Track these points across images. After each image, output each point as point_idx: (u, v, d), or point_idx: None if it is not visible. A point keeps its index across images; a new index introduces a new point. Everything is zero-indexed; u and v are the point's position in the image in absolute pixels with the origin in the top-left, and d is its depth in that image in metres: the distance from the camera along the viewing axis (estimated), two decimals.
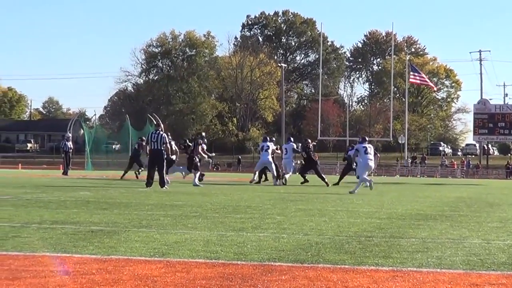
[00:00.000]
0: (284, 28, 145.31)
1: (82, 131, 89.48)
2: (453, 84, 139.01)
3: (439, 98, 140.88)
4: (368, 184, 28.45)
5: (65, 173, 46.85)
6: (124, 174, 40.44)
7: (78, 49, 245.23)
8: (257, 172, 36.98)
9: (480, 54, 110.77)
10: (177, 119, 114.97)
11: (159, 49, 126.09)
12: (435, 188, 37.88)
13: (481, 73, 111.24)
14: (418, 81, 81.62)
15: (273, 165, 35.62)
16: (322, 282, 7.52)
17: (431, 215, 16.96)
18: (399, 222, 14.98)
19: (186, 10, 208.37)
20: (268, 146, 35.90)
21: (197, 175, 32.77)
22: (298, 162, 41.41)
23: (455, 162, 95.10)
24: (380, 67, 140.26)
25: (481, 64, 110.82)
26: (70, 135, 51.04)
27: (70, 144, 48.61)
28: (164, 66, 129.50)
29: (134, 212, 16.18)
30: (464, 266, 8.78)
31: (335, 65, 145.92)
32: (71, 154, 50.56)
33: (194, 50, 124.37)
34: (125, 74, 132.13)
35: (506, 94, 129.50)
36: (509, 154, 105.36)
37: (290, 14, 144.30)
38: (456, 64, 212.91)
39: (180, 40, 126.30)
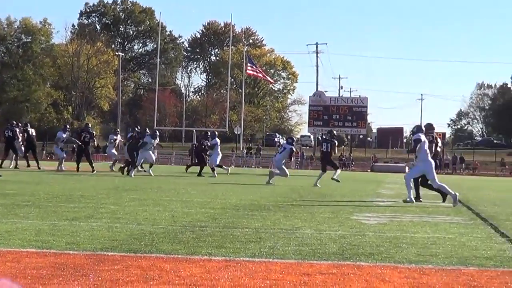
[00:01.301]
0: (123, 16, 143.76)
1: None
2: (289, 76, 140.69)
3: (276, 89, 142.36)
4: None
5: None
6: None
7: None
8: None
9: (317, 47, 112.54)
10: (11, 106, 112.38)
11: None
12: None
13: (317, 66, 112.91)
14: (255, 73, 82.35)
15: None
16: (155, 272, 7.48)
17: (265, 206, 17.10)
18: (233, 212, 15.07)
19: None
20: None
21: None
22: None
23: None
24: (218, 58, 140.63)
25: (317, 57, 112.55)
26: None
27: None
28: None
29: None
30: (296, 256, 8.91)
31: (173, 55, 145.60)
32: None
33: (30, 37, 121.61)
34: None
35: (341, 87, 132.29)
36: (343, 146, 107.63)
37: (129, 2, 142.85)
38: (293, 56, 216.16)
39: (16, 26, 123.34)
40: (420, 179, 21.18)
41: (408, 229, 12.62)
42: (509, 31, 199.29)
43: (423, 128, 20.71)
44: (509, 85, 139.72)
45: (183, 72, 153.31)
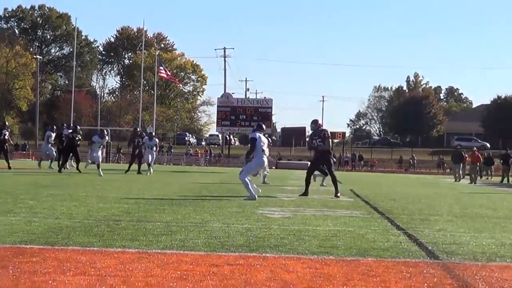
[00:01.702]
0: (40, 21, 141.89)
1: None
2: (199, 79, 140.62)
3: (186, 91, 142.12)
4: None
5: None
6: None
7: None
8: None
9: (225, 51, 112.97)
10: None
11: None
12: (181, 176, 38.22)
13: (225, 69, 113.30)
14: (166, 76, 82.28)
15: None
16: (71, 264, 7.38)
17: (176, 201, 17.04)
18: (146, 207, 14.97)
19: None
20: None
21: None
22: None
23: (199, 151, 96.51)
24: (131, 61, 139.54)
25: (225, 61, 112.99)
26: None
27: None
28: None
29: None
30: (206, 248, 8.88)
31: (88, 58, 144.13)
32: None
33: None
34: None
35: (248, 89, 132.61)
36: (249, 145, 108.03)
37: (46, 8, 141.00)
38: (203, 60, 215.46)
39: None
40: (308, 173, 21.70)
41: (310, 223, 12.69)
42: (404, 37, 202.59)
43: (264, 127, 20.97)
44: (404, 88, 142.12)
45: (98, 75, 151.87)
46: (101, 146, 34.64)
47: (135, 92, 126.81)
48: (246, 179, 18.81)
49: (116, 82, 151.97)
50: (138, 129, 40.34)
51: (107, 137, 34.44)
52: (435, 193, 26.68)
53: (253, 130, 21.34)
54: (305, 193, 21.05)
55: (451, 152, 58.37)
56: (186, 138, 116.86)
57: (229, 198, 18.94)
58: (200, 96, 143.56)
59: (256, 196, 18.42)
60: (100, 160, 33.12)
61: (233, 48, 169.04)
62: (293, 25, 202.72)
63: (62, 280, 6.57)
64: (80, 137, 35.24)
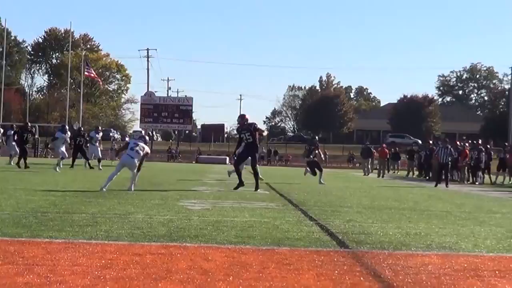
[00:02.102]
0: None
1: None
2: (123, 78, 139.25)
3: (111, 89, 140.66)
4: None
5: None
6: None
7: None
8: None
9: (148, 52, 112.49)
10: None
11: None
12: (106, 169, 37.83)
13: (148, 69, 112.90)
14: (92, 75, 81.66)
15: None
16: (0, 253, 7.25)
17: (101, 193, 16.88)
18: (72, 199, 14.80)
19: None
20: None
21: None
22: None
23: None
24: (59, 61, 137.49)
25: (148, 61, 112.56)
26: None
27: None
28: None
29: None
30: (129, 238, 8.82)
31: (17, 58, 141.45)
32: None
33: None
34: None
35: (170, 88, 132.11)
36: (171, 140, 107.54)
37: None
38: (127, 60, 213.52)
39: None
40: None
41: (228, 214, 12.70)
42: (318, 39, 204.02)
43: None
44: (317, 87, 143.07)
45: (27, 73, 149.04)
46: (64, 141, 33.33)
47: (62, 91, 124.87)
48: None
49: (44, 80, 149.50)
50: (81, 128, 38.91)
51: (69, 132, 33.01)
52: (346, 186, 26.95)
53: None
54: (240, 184, 20.72)
55: (359, 148, 59.00)
56: (111, 134, 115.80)
57: (151, 191, 18.80)
58: (125, 94, 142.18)
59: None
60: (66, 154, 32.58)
61: (156, 49, 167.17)
62: (214, 26, 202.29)
63: None
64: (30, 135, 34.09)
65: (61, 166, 30.91)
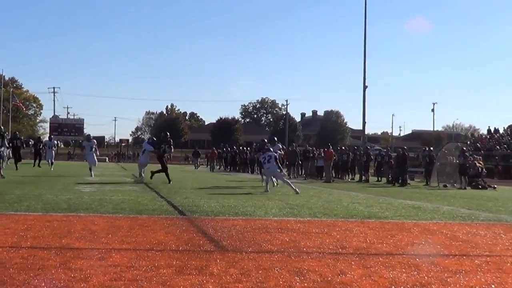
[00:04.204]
0: None
1: None
2: (38, 106, 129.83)
3: (29, 113, 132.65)
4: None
5: None
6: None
7: None
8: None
9: (54, 89, 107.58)
10: None
11: None
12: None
13: (54, 100, 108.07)
14: (18, 104, 79.42)
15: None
16: None
17: (24, 180, 16.09)
18: (4, 185, 13.98)
19: None
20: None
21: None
22: None
23: None
24: None
25: (54, 94, 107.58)
26: None
27: None
28: None
29: None
30: (42, 211, 8.57)
31: None
32: None
33: None
34: None
35: (68, 112, 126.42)
36: (69, 146, 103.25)
37: None
38: (40, 94, 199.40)
39: None
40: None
41: (107, 194, 12.43)
42: (159, 77, 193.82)
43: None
44: (164, 112, 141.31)
45: None
46: (52, 147, 29.65)
47: None
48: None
49: None
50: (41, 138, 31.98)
51: (94, 141, 23.18)
52: (184, 176, 26.89)
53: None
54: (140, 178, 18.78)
55: (192, 151, 58.64)
56: (30, 142, 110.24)
57: (57, 179, 18.05)
58: (39, 116, 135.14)
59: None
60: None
61: (59, 87, 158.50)
62: (98, 71, 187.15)
63: None
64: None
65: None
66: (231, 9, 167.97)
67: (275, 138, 20.26)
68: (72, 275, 4.34)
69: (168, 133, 20.24)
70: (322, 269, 4.94)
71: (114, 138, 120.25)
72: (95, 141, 23.34)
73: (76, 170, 29.03)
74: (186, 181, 21.05)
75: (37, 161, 30.21)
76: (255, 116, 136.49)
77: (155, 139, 20.82)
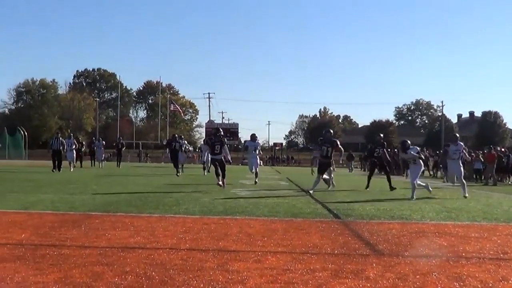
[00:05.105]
0: (98, 77, 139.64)
1: None
2: (194, 111, 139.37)
3: (186, 119, 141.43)
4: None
5: None
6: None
7: None
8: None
9: (209, 94, 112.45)
10: (34, 130, 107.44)
11: None
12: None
13: (209, 105, 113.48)
14: (174, 109, 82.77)
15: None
16: (119, 224, 7.32)
17: (181, 184, 16.87)
18: (164, 188, 14.79)
19: None
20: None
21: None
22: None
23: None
24: (152, 101, 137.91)
25: (209, 100, 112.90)
26: None
27: None
28: None
29: (7, 183, 15.08)
30: (200, 213, 8.81)
31: (127, 100, 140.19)
32: None
33: (45, 90, 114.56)
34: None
35: (223, 117, 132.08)
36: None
37: (101, 70, 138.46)
38: (196, 99, 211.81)
39: (37, 84, 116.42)
40: None
41: (263, 197, 12.63)
42: (313, 81, 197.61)
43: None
44: (318, 115, 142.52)
45: (133, 109, 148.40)
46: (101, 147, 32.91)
47: (155, 120, 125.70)
48: None
49: (144, 113, 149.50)
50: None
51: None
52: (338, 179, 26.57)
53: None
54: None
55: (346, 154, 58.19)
56: (186, 146, 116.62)
57: (215, 184, 18.80)
58: (195, 121, 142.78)
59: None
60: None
61: (214, 93, 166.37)
62: (257, 78, 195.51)
63: (114, 233, 6.50)
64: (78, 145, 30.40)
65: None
66: (392, 9, 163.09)
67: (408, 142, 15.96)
68: (229, 277, 4.44)
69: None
70: (482, 274, 4.68)
71: (268, 141, 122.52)
72: (260, 142, 20.85)
73: (233, 174, 29.99)
74: (338, 182, 20.85)
75: (204, 166, 27.79)
76: (410, 118, 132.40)
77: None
